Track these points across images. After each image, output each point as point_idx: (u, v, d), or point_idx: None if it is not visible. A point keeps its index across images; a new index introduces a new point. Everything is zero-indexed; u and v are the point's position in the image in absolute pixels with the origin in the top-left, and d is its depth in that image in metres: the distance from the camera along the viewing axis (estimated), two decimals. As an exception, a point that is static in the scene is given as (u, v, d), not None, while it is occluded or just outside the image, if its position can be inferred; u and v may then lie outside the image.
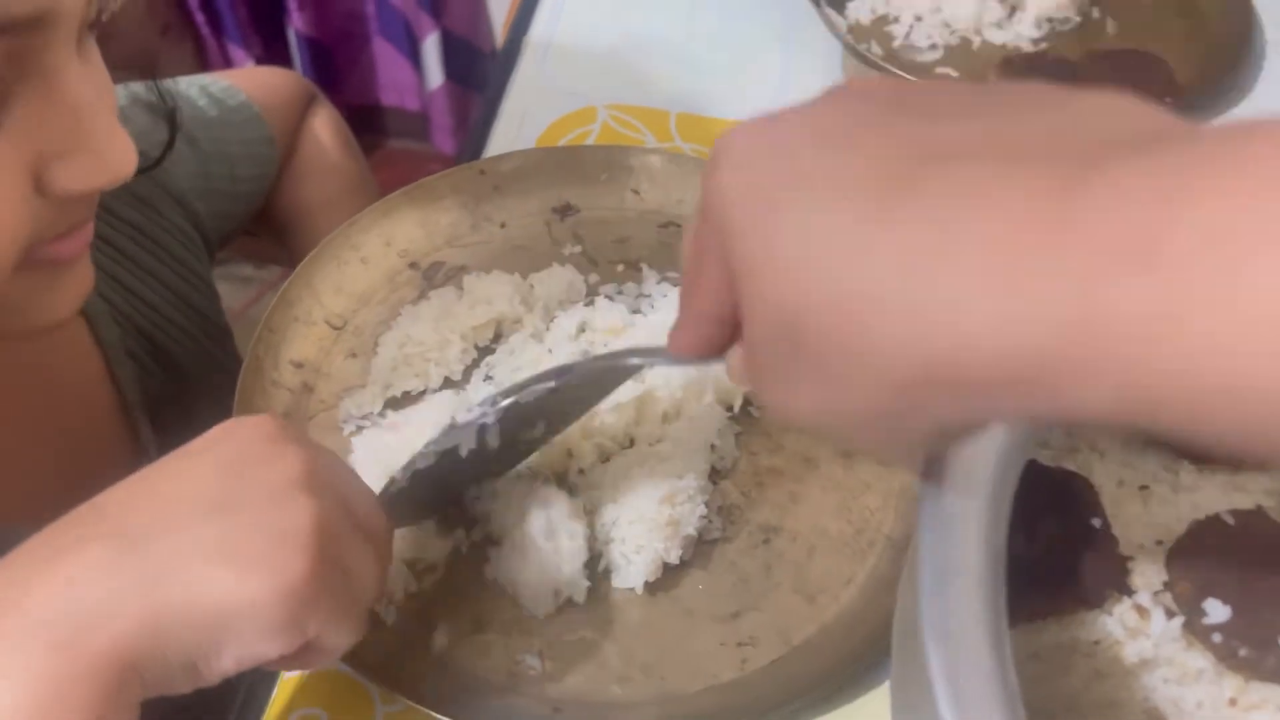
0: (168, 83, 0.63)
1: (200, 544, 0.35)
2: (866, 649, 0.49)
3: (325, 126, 0.83)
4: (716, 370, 0.56)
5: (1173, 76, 0.77)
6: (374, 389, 0.57)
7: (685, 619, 0.51)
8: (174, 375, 0.58)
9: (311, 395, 0.58)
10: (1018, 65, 0.77)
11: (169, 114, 0.62)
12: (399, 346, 0.58)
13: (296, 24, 1.91)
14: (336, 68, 2.02)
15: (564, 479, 0.55)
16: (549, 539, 0.50)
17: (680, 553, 0.52)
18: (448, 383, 0.58)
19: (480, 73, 1.96)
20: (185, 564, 0.34)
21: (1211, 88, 0.76)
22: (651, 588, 0.52)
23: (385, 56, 2.04)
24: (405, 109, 2.07)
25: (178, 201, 0.68)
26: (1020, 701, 0.31)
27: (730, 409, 0.57)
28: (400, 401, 0.58)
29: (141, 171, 0.62)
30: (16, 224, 0.39)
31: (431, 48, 1.94)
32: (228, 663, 0.36)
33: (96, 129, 0.39)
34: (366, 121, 2.09)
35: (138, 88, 0.64)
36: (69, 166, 0.39)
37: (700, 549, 0.53)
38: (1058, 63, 0.77)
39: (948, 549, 0.33)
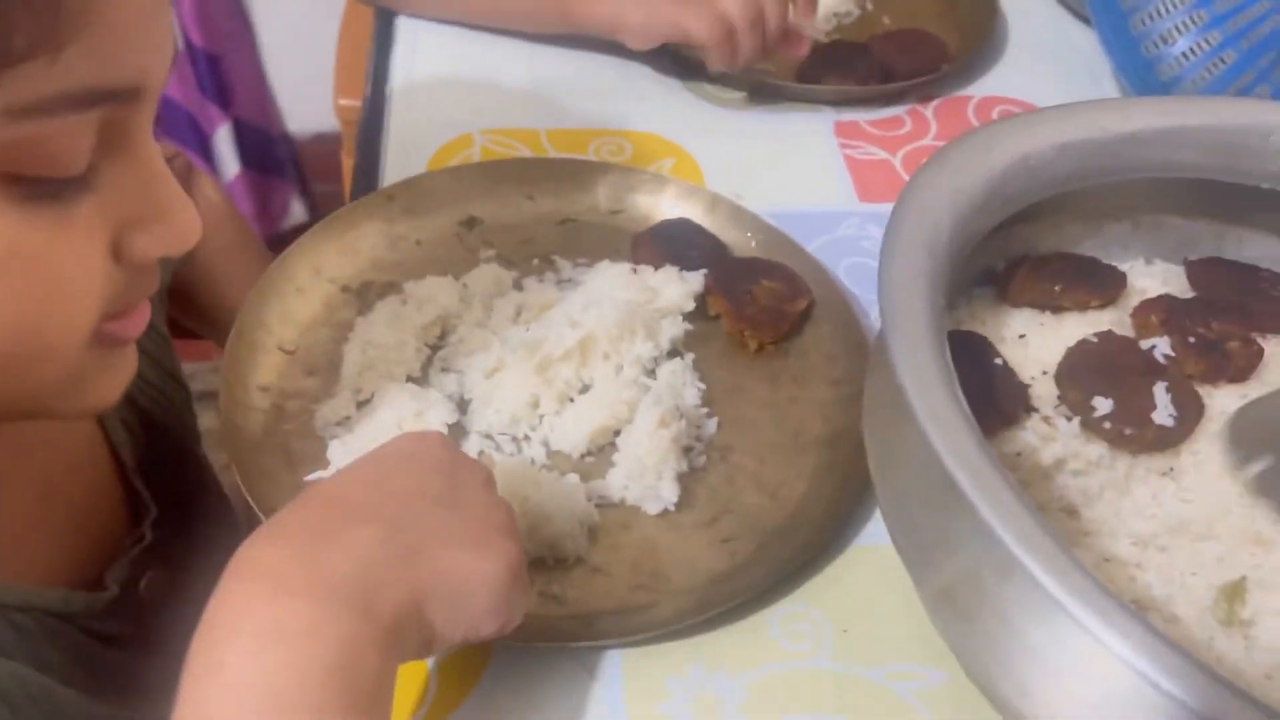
0: None
1: (441, 530, 0.42)
2: (829, 522, 0.58)
3: (211, 194, 0.86)
4: (641, 314, 0.64)
5: (945, 48, 0.92)
6: (345, 395, 0.62)
7: (674, 531, 0.59)
8: (157, 435, 0.60)
9: (282, 413, 0.62)
10: (824, 51, 0.90)
11: None
12: (362, 352, 0.62)
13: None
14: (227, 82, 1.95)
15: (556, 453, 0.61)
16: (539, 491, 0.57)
17: (685, 463, 0.60)
18: (410, 380, 0.63)
19: (275, 157, 1.96)
20: (434, 546, 0.41)
21: (973, 55, 0.92)
22: (634, 513, 0.59)
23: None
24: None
25: None
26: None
27: (658, 345, 0.65)
28: (368, 403, 0.62)
29: None
30: (99, 291, 0.40)
31: (224, 138, 1.93)
32: (459, 635, 0.42)
33: (171, 198, 0.42)
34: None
35: None
36: (147, 234, 0.41)
37: (670, 475, 0.61)
38: (853, 45, 0.91)
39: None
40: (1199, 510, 0.51)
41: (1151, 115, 0.59)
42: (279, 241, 1.12)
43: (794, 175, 0.82)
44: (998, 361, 0.54)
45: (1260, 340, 0.57)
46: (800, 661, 0.54)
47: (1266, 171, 0.60)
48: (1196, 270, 0.62)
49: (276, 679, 0.35)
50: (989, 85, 0.92)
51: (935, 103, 0.90)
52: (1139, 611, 0.38)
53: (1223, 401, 0.55)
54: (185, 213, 0.43)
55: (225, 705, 0.35)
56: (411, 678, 0.52)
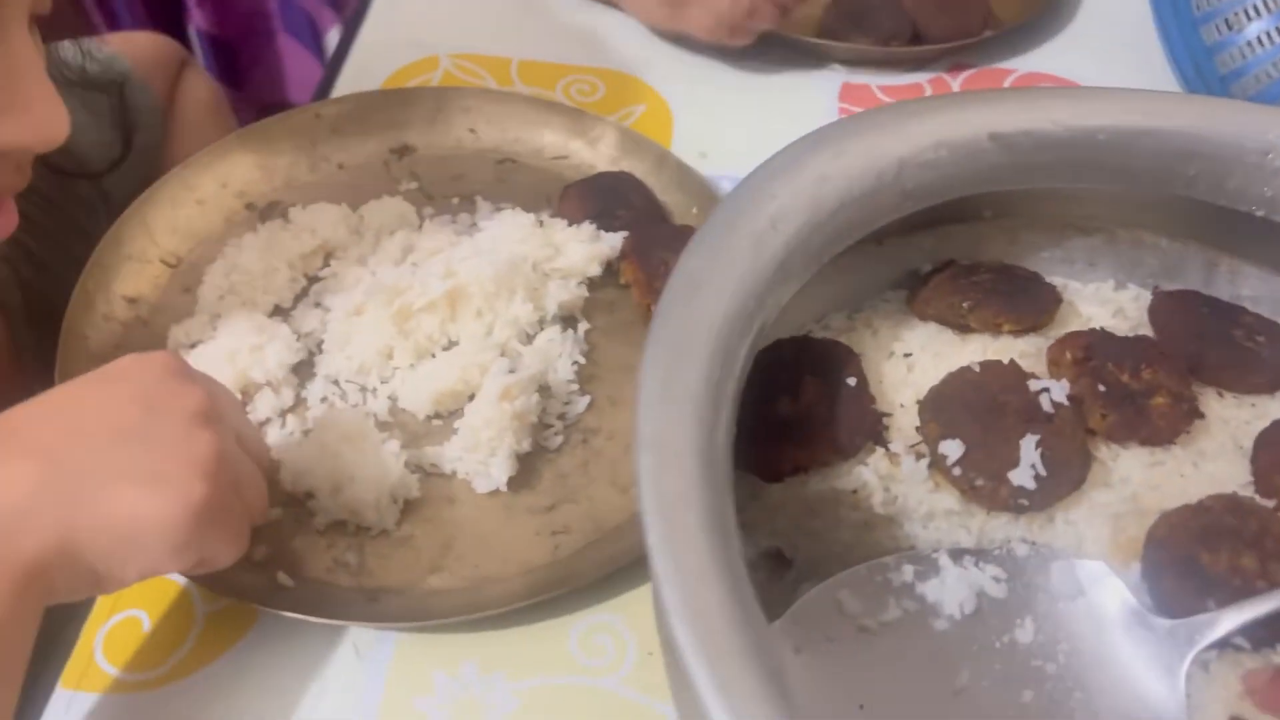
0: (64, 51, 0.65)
1: (115, 466, 0.39)
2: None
3: (199, 88, 0.85)
4: (525, 272, 0.59)
5: (989, 11, 0.81)
6: (201, 318, 0.59)
7: (503, 514, 0.54)
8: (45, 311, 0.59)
9: (146, 328, 0.60)
10: (849, 1, 0.80)
11: (127, 126, 0.66)
12: (224, 275, 0.59)
13: (197, 21, 1.90)
14: (240, 66, 2.01)
15: (396, 409, 0.57)
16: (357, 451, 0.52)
17: (530, 442, 0.55)
18: (277, 310, 0.60)
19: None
20: (101, 484, 0.38)
21: (1023, 23, 0.81)
22: (464, 489, 0.54)
23: (291, 52, 2.04)
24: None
25: (86, 171, 0.69)
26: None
27: (540, 309, 0.59)
28: (229, 328, 0.59)
29: (91, 177, 0.64)
30: None
31: (334, 42, 1.94)
32: (132, 575, 0.40)
33: (34, 91, 0.42)
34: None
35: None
36: (8, 124, 0.41)
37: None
38: (891, 3, 0.81)
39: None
40: (1063, 592, 0.43)
41: (1120, 111, 0.48)
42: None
43: (775, 138, 0.72)
44: (851, 381, 0.46)
45: (1204, 399, 0.47)
46: (590, 678, 0.49)
47: (1259, 196, 0.49)
48: (1161, 304, 0.52)
49: None
50: (1035, 60, 0.80)
51: (967, 73, 0.79)
52: None
53: (1128, 466, 0.45)
54: (47, 107, 0.43)
55: None
56: (178, 621, 0.49)
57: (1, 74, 0.41)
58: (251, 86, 2.07)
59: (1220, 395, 0.48)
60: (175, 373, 0.43)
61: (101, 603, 0.50)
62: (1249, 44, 0.67)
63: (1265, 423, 0.47)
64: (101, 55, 0.75)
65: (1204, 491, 0.44)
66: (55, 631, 0.49)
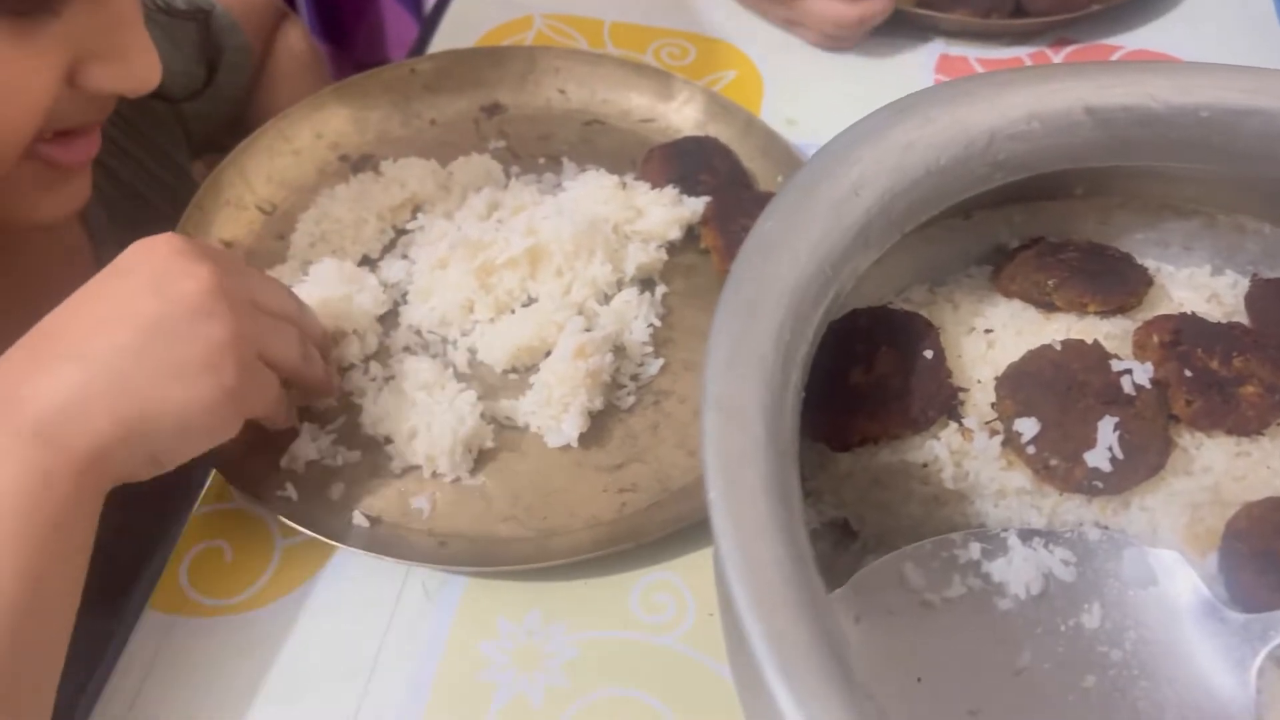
0: None
1: (150, 362, 0.42)
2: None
3: (296, 40, 0.87)
4: (606, 233, 0.59)
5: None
6: (293, 263, 0.61)
7: (573, 469, 0.54)
8: None
9: (239, 272, 0.62)
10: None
11: (210, 58, 0.69)
12: (316, 224, 0.61)
13: (306, -27, 1.94)
14: (344, 24, 2.05)
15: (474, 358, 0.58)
16: (431, 397, 0.54)
17: (602, 400, 0.55)
18: (365, 260, 0.62)
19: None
20: (142, 382, 0.42)
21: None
22: (536, 442, 0.55)
23: (392, 12, 2.07)
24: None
25: (163, 95, 0.72)
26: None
27: (619, 270, 0.60)
28: (311, 276, 0.61)
29: (170, 101, 0.68)
30: (40, 105, 0.45)
31: (432, 3, 1.96)
32: (185, 455, 0.44)
33: (133, 41, 0.46)
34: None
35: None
36: (103, 69, 0.46)
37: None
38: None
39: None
40: (1135, 578, 0.42)
41: (1224, 88, 0.46)
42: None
43: (866, 108, 0.72)
44: (928, 354, 0.45)
45: (1298, 391, 0.46)
46: (649, 635, 0.49)
47: (1374, 182, 0.46)
48: (1260, 291, 0.50)
49: None
50: (1143, 37, 0.78)
51: (1071, 48, 0.77)
52: None
53: (1211, 454, 0.44)
54: (144, 57, 0.47)
55: None
56: (257, 553, 0.52)
57: (104, 23, 0.45)
58: (353, 44, 2.11)
59: (1317, 388, 0.47)
60: (181, 252, 0.45)
61: (188, 533, 0.52)
62: (1375, 24, 0.63)
63: (1363, 419, 0.45)
64: None
65: (1291, 485, 0.42)
66: (146, 556, 0.52)
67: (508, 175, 0.66)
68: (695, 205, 0.63)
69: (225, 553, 0.52)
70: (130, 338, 0.42)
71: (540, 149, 0.69)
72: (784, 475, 0.34)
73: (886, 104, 0.45)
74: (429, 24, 0.79)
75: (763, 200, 0.63)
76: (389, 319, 0.59)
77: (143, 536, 0.53)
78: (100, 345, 0.41)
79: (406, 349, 0.58)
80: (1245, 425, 0.44)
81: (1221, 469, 0.43)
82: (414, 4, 2.01)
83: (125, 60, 0.47)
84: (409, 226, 0.63)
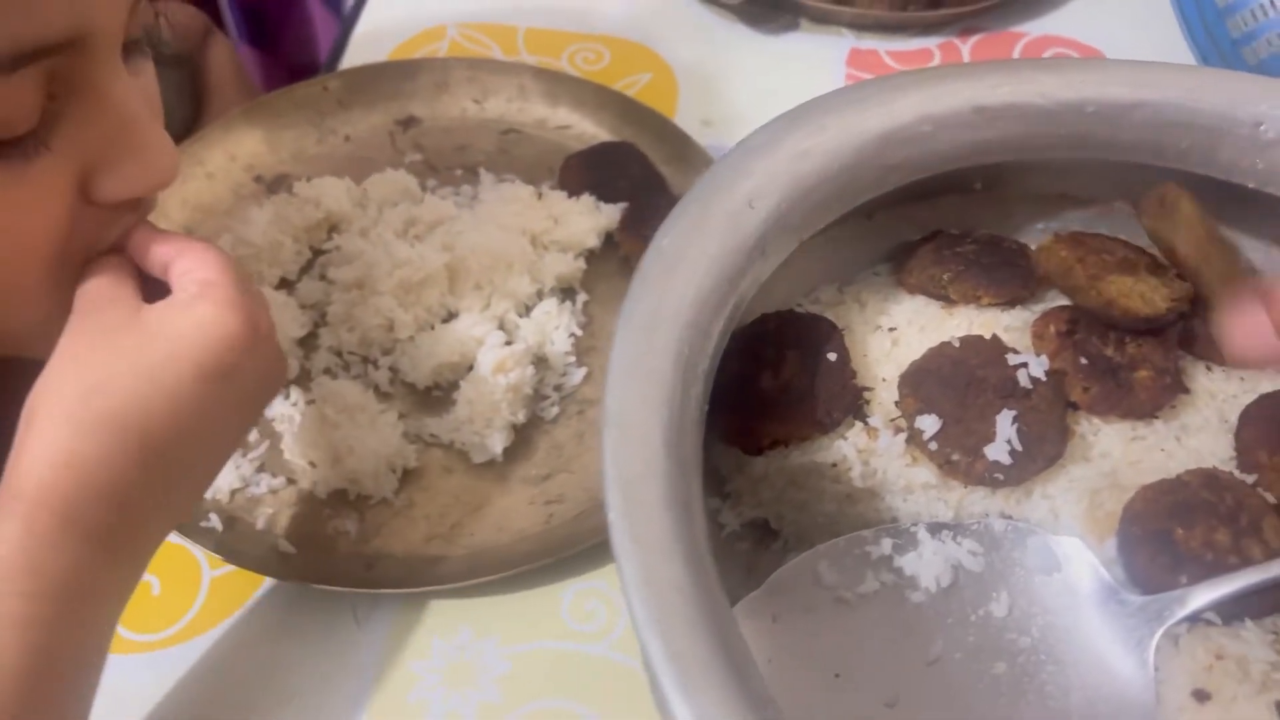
0: None
1: (196, 451, 0.41)
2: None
3: (224, 57, 0.86)
4: (523, 245, 0.59)
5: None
6: (210, 290, 0.60)
7: (499, 484, 0.55)
8: None
9: (156, 301, 0.61)
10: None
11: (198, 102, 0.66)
12: (232, 248, 0.61)
13: (224, -15, 1.91)
14: (269, 29, 2.02)
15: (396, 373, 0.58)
16: (356, 418, 0.54)
17: (526, 413, 0.56)
18: (283, 282, 0.61)
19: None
20: (189, 470, 0.42)
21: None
22: (461, 459, 0.55)
23: (319, 15, 2.04)
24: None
25: None
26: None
27: (538, 281, 0.60)
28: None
29: None
30: (59, 239, 0.40)
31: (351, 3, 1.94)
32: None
33: (143, 139, 0.40)
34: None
35: None
36: (117, 175, 0.40)
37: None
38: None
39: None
40: (1039, 565, 0.43)
41: (1108, 83, 0.48)
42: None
43: (780, 106, 0.73)
44: (832, 356, 0.46)
45: (1192, 374, 0.47)
46: (581, 644, 0.50)
47: (1251, 168, 0.48)
48: (1154, 276, 0.51)
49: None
50: (1048, 24, 0.79)
51: (978, 37, 0.78)
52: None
53: (1108, 440, 0.45)
54: (159, 153, 0.41)
55: None
56: (185, 586, 0.51)
57: (106, 130, 0.39)
58: (282, 49, 2.08)
59: (1209, 369, 0.48)
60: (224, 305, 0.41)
61: (113, 567, 0.52)
62: (1260, 7, 0.65)
63: (1253, 397, 0.47)
64: (164, 32, 0.76)
65: (1185, 466, 0.44)
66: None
67: (424, 189, 0.66)
68: (612, 212, 0.63)
69: (153, 586, 0.51)
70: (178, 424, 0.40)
71: (457, 160, 0.69)
72: (685, 489, 0.35)
73: (780, 114, 0.45)
74: (340, 39, 0.78)
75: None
76: (308, 342, 0.59)
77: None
78: (155, 439, 0.39)
79: (327, 371, 0.58)
80: (1140, 409, 0.45)
81: (1118, 454, 0.45)
82: (337, 8, 1.99)
83: (138, 160, 0.40)
84: (326, 246, 0.63)
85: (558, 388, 0.58)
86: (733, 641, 0.32)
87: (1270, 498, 0.43)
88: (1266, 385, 0.48)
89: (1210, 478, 0.43)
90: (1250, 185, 0.48)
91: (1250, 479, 0.44)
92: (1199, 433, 0.46)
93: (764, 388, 0.46)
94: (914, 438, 0.45)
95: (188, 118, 0.68)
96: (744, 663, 0.31)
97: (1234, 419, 0.46)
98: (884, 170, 0.46)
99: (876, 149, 0.46)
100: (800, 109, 0.45)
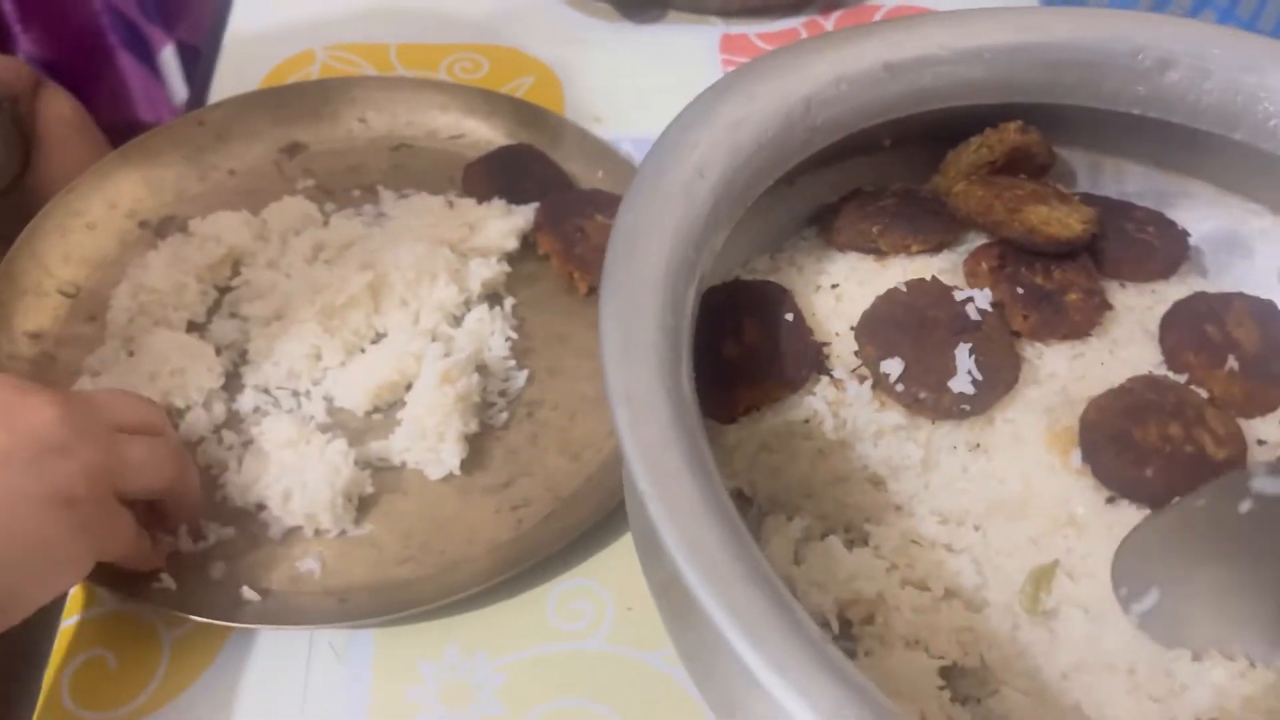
0: None
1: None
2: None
3: (62, 107, 0.81)
4: (444, 254, 0.58)
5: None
6: (113, 344, 0.57)
7: (461, 497, 0.54)
8: None
9: (54, 363, 0.57)
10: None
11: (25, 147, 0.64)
12: (131, 297, 0.57)
13: (25, 47, 1.80)
14: (79, 87, 1.91)
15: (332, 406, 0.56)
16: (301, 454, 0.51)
17: (476, 422, 0.55)
18: (192, 325, 0.58)
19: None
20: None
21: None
22: (416, 478, 0.54)
23: (133, 70, 1.95)
24: (163, 123, 1.98)
25: None
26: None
27: (465, 290, 0.59)
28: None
29: None
30: None
31: (169, 59, 1.86)
32: (34, 601, 0.41)
33: None
34: (127, 140, 1.98)
35: None
36: None
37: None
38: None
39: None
40: (1011, 487, 0.45)
41: (997, 29, 0.51)
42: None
43: (666, 97, 0.73)
44: (788, 317, 0.47)
45: (1110, 291, 0.51)
46: (573, 643, 0.49)
47: (1134, 95, 0.52)
48: (1055, 207, 0.54)
49: None
50: (901, -7, 0.83)
51: (838, 13, 0.82)
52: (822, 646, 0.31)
53: (1053, 362, 0.48)
54: None
55: None
56: (144, 653, 0.48)
57: None
58: (97, 107, 1.96)
59: (1123, 286, 0.52)
60: (19, 388, 0.41)
61: (61, 647, 0.48)
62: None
63: (1166, 306, 0.50)
64: None
65: (1123, 375, 0.47)
66: (22, 678, 0.47)
67: (324, 214, 0.64)
68: (526, 213, 0.63)
69: (108, 660, 0.48)
70: None
71: (352, 181, 0.67)
72: (700, 452, 0.35)
73: (708, 87, 0.46)
74: (204, 71, 0.75)
75: (591, 197, 0.64)
76: (232, 383, 0.56)
77: (8, 658, 0.48)
78: None
79: (258, 410, 0.55)
80: (1076, 329, 0.48)
81: (1064, 373, 0.48)
82: (149, 59, 1.90)
83: None
84: (233, 284, 0.60)
85: (503, 393, 0.57)
86: (779, 590, 0.32)
87: (1203, 393, 0.46)
88: (1173, 294, 0.52)
89: (1152, 382, 0.46)
90: (1135, 112, 0.52)
91: (1183, 378, 0.47)
92: (1129, 344, 0.49)
93: (730, 356, 0.47)
94: (880, 383, 0.46)
95: (13, 170, 0.64)
96: (794, 609, 0.32)
97: (1154, 327, 0.50)
98: (810, 132, 0.48)
99: (802, 112, 0.47)
100: (725, 80, 0.46)
